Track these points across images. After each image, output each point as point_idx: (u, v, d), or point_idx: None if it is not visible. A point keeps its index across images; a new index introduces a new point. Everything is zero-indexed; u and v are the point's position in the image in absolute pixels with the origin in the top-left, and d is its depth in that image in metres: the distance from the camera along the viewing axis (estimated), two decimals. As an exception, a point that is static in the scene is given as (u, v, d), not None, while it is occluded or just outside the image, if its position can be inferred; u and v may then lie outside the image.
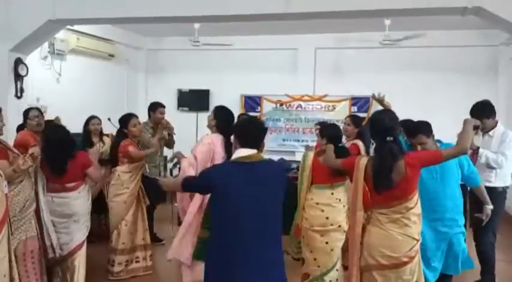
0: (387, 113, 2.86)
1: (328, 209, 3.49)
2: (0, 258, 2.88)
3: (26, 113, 4.38)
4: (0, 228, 2.87)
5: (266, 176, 2.43)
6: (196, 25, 7.04)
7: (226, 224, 2.35)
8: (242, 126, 2.57)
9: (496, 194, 3.85)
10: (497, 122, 3.99)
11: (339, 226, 3.51)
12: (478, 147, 3.83)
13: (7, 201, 3.00)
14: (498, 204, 3.84)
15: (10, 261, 2.99)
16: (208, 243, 2.52)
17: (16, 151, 3.43)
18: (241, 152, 2.44)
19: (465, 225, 3.62)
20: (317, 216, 3.50)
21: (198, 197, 3.26)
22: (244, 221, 2.33)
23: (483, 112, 3.87)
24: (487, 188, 3.70)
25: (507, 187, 3.96)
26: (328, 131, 3.67)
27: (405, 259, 2.67)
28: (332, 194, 3.52)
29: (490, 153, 3.83)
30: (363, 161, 2.76)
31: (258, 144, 2.51)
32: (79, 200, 3.72)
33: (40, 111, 4.42)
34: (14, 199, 3.22)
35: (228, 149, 3.26)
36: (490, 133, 3.95)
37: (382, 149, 2.69)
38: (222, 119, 3.46)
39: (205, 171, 2.59)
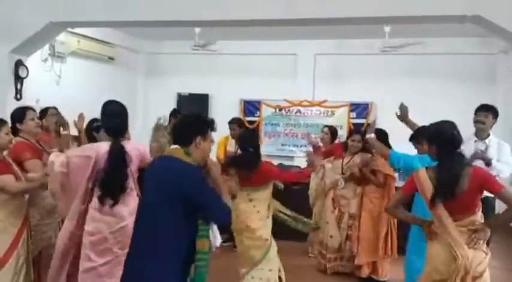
0: (453, 124, 2.74)
1: None
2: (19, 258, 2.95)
3: (44, 112, 4.10)
4: (21, 230, 2.96)
5: (164, 177, 2.17)
6: (197, 29, 7.06)
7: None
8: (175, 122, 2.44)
9: (489, 203, 3.84)
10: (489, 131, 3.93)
11: None
12: (491, 159, 3.72)
13: (28, 205, 3.12)
14: (489, 214, 3.84)
15: (27, 263, 3.05)
16: None
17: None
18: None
19: None
20: None
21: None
22: (136, 224, 2.25)
23: (494, 111, 3.86)
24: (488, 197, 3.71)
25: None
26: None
27: (477, 274, 2.58)
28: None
29: (503, 166, 3.74)
30: (423, 172, 2.63)
31: (183, 140, 2.26)
32: None
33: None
34: (41, 202, 3.27)
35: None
36: (486, 141, 3.89)
37: (451, 159, 2.60)
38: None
39: None
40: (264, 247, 3.54)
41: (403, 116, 3.90)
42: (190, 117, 2.35)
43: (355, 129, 5.02)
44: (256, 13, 4.81)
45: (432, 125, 2.81)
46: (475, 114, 3.89)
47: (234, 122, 5.72)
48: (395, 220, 4.30)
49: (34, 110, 3.47)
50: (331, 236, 4.62)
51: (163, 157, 2.31)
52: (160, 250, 2.14)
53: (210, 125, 2.30)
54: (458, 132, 2.69)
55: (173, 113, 5.54)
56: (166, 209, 2.12)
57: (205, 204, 2.15)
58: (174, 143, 2.28)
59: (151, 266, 2.12)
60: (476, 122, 3.86)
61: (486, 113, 3.85)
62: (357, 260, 4.46)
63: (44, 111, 4.16)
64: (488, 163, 3.69)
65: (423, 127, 3.50)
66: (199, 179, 2.18)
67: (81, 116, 3.80)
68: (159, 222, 2.13)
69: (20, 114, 3.34)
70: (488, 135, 3.91)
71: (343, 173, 4.64)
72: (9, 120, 3.37)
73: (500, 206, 4.53)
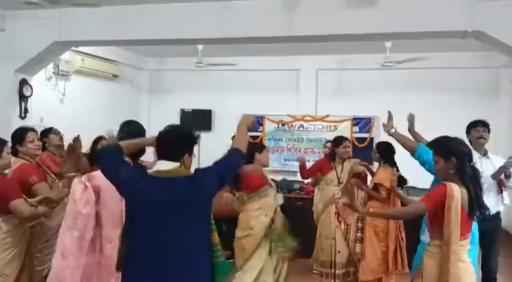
0: (459, 139, 2.73)
1: None
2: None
3: (45, 132, 4.08)
4: (25, 258, 2.92)
5: (184, 197, 2.15)
6: (200, 46, 7.12)
7: (134, 244, 2.15)
8: (159, 135, 2.31)
9: (499, 218, 3.83)
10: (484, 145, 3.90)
11: None
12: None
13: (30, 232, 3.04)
14: (500, 228, 3.84)
15: None
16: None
17: (53, 176, 3.44)
18: (160, 165, 2.21)
19: None
20: None
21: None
22: (149, 248, 2.12)
23: (488, 125, 3.84)
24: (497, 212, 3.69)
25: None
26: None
27: None
28: None
29: None
30: (457, 189, 2.48)
31: (177, 155, 2.23)
32: None
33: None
34: (48, 223, 3.21)
35: None
36: (489, 155, 3.85)
37: (475, 172, 2.59)
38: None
39: (126, 171, 2.25)
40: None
41: (410, 126, 3.86)
42: (179, 133, 2.31)
43: (343, 137, 4.90)
44: (258, 30, 4.86)
45: (446, 138, 2.72)
46: (475, 130, 3.81)
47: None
48: (403, 234, 4.27)
49: (35, 131, 3.44)
50: (339, 251, 4.55)
51: (169, 177, 2.19)
52: (196, 255, 2.20)
53: (196, 142, 2.33)
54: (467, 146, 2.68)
55: None
56: (197, 219, 2.20)
57: (229, 163, 2.37)
58: (162, 158, 2.24)
59: (194, 272, 2.15)
60: (479, 138, 3.77)
61: (485, 128, 3.81)
62: (361, 276, 4.40)
63: (46, 132, 4.11)
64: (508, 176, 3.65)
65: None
66: (205, 168, 2.33)
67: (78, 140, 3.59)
68: (193, 235, 2.18)
69: (19, 136, 3.31)
70: (486, 150, 3.85)
71: (340, 182, 4.62)
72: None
73: (507, 220, 4.48)
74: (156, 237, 2.13)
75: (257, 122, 8.47)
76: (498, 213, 3.78)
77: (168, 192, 2.13)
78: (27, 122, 5.61)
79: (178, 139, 2.26)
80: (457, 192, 2.45)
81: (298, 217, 5.21)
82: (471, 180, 2.51)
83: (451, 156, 2.55)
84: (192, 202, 2.17)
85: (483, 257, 3.80)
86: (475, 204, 2.49)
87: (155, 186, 2.16)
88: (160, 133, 2.30)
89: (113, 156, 2.28)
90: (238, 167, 2.52)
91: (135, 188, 2.16)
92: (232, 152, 2.42)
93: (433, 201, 2.49)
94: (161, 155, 2.24)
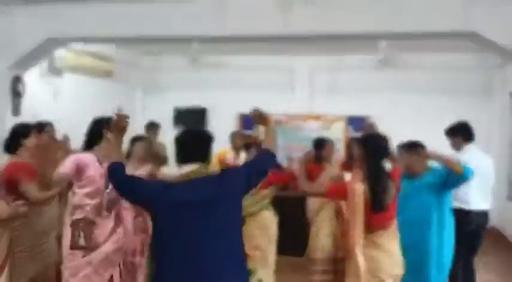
0: (382, 136, 2.90)
1: None
2: None
3: (41, 127, 4.03)
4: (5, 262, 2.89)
5: (214, 195, 2.12)
6: (195, 44, 7.11)
7: (170, 257, 2.07)
8: (178, 140, 2.29)
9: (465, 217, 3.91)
10: (463, 145, 4.07)
11: None
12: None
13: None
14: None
15: None
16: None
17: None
18: (183, 169, 2.19)
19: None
20: None
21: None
22: (190, 255, 2.05)
23: (450, 130, 4.11)
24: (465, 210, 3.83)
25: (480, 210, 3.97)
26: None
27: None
28: None
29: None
30: (359, 187, 2.66)
31: (200, 156, 2.24)
32: None
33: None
34: (37, 221, 3.18)
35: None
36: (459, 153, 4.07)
37: (380, 171, 2.71)
38: None
39: (144, 183, 2.25)
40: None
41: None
42: (206, 135, 2.35)
43: (324, 139, 4.81)
44: (254, 29, 4.86)
45: (377, 135, 2.99)
46: None
47: (236, 133, 5.82)
48: None
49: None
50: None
51: (199, 178, 2.18)
52: (237, 253, 2.19)
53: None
54: (387, 144, 2.82)
55: (150, 126, 5.57)
56: (234, 213, 2.20)
57: (259, 165, 2.36)
58: (189, 160, 2.20)
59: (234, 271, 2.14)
60: None
61: (448, 136, 4.15)
62: None
63: (40, 127, 4.07)
64: None
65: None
66: (238, 167, 2.43)
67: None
68: (231, 228, 2.17)
69: (25, 130, 3.33)
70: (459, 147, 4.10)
71: None
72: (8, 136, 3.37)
73: (498, 218, 4.50)
74: (200, 235, 2.08)
75: (252, 121, 8.46)
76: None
77: (215, 188, 2.14)
78: (20, 119, 5.57)
79: (208, 141, 2.31)
80: (358, 190, 2.62)
81: (291, 215, 5.26)
82: (371, 177, 2.65)
83: (361, 149, 2.81)
84: (223, 198, 2.13)
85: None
86: (376, 199, 2.62)
87: (199, 186, 2.13)
88: (185, 137, 2.29)
89: (123, 176, 2.25)
90: (270, 169, 2.40)
91: (174, 195, 2.09)
92: (264, 154, 2.40)
93: (331, 192, 2.92)
94: (189, 157, 2.21)
